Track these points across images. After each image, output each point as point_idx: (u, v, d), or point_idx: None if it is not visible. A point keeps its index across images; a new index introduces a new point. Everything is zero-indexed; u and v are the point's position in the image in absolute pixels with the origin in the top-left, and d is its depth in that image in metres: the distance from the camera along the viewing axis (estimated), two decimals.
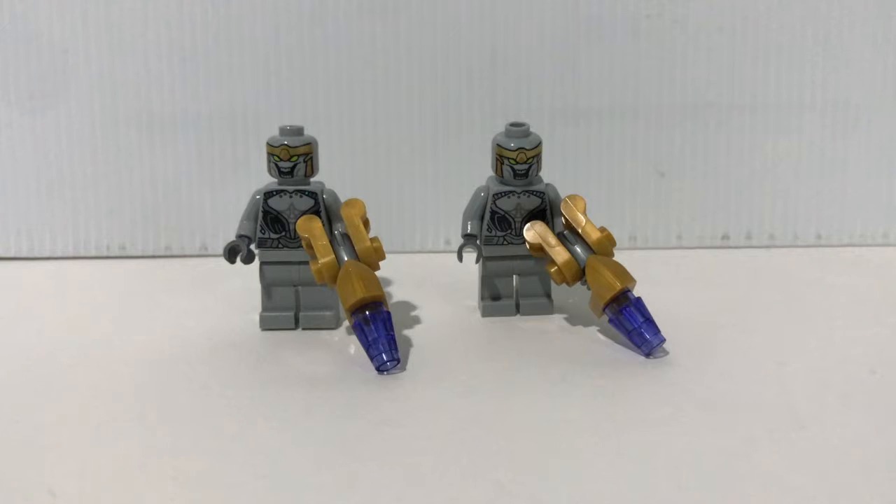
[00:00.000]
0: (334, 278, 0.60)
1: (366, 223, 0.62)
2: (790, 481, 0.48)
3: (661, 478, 0.49)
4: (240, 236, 0.63)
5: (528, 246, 0.64)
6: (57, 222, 0.75)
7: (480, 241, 0.65)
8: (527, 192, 0.64)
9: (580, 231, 0.63)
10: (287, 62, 0.74)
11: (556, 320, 0.65)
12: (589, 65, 0.74)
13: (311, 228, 0.61)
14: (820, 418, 0.53)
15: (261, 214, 0.63)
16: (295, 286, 0.64)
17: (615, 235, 0.64)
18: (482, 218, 0.65)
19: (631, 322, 0.60)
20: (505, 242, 0.65)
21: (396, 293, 0.69)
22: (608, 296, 0.61)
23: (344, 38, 0.73)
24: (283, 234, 0.63)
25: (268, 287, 0.64)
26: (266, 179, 0.64)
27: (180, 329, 0.64)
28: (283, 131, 0.63)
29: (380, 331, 0.58)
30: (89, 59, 0.73)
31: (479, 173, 0.68)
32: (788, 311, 0.66)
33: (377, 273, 0.61)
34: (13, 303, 0.69)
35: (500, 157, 0.64)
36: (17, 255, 0.75)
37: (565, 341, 0.62)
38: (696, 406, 0.55)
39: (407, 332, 0.64)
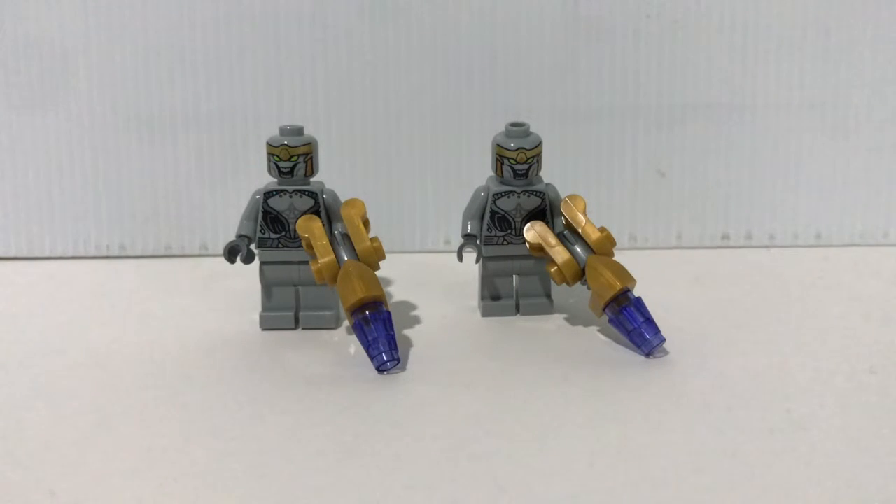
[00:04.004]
0: (334, 278, 0.60)
1: (366, 223, 0.62)
2: (790, 481, 0.48)
3: (661, 477, 0.49)
4: (240, 236, 0.63)
5: (528, 246, 0.64)
6: (57, 222, 0.75)
7: (480, 241, 0.65)
8: (527, 192, 0.64)
9: (580, 231, 0.63)
10: (287, 62, 0.74)
11: (556, 320, 0.65)
12: (589, 65, 0.74)
13: (311, 228, 0.61)
14: (820, 418, 0.53)
15: (261, 214, 0.63)
16: (295, 286, 0.64)
17: (615, 235, 0.64)
18: (482, 218, 0.65)
19: (631, 322, 0.60)
20: (505, 242, 0.65)
21: (396, 293, 0.69)
22: (608, 296, 0.61)
23: (344, 38, 0.73)
24: (283, 233, 0.63)
25: (268, 287, 0.64)
26: (266, 179, 0.64)
27: (180, 329, 0.64)
28: (283, 131, 0.63)
29: (380, 331, 0.58)
30: (89, 59, 0.73)
31: (479, 173, 0.68)
32: (788, 311, 0.66)
33: (377, 273, 0.61)
34: (13, 303, 0.69)
35: (500, 157, 0.64)
36: (17, 255, 0.76)
37: (565, 341, 0.62)
38: (696, 406, 0.55)
39: (407, 332, 0.64)
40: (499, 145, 0.64)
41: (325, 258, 0.60)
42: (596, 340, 0.63)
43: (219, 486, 0.48)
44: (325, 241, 0.61)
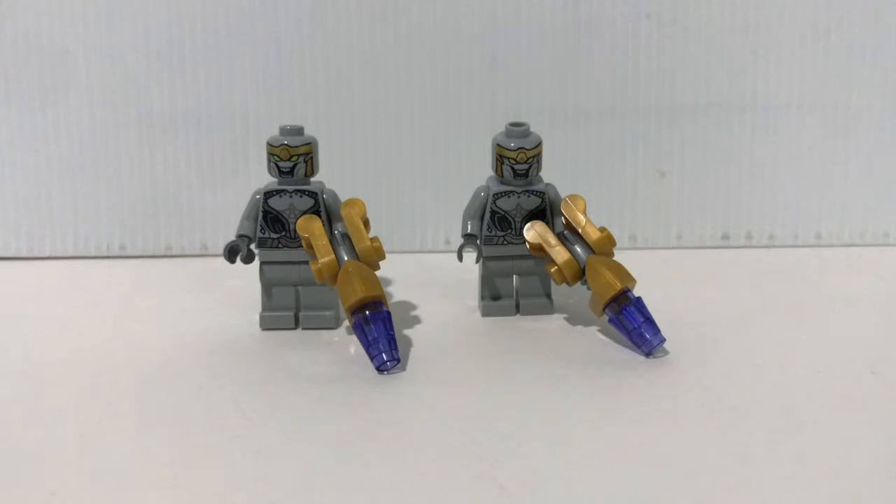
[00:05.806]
0: (334, 278, 0.60)
1: (366, 223, 0.62)
2: (790, 481, 0.48)
3: (661, 478, 0.49)
4: (240, 236, 0.63)
5: (528, 246, 0.64)
6: (57, 222, 0.75)
7: (480, 241, 0.65)
8: (527, 191, 0.64)
9: (580, 231, 0.63)
10: (287, 62, 0.74)
11: (556, 320, 0.65)
12: (589, 65, 0.74)
13: (311, 228, 0.61)
14: (820, 418, 0.53)
15: (261, 214, 0.63)
16: (295, 286, 0.64)
17: (615, 235, 0.64)
18: (482, 218, 0.65)
19: (631, 322, 0.60)
20: (505, 242, 0.65)
21: (396, 293, 0.69)
22: (608, 296, 0.61)
23: (344, 38, 0.73)
24: (284, 233, 0.63)
25: (268, 287, 0.64)
26: (266, 179, 0.64)
27: (180, 329, 0.64)
28: (283, 131, 0.63)
29: (380, 331, 0.58)
30: (89, 59, 0.73)
31: (479, 173, 0.68)
32: (788, 311, 0.66)
33: (377, 273, 0.61)
34: (13, 303, 0.69)
35: (500, 157, 0.64)
36: (17, 255, 0.75)
37: (565, 341, 0.62)
38: (696, 406, 0.55)
39: (407, 332, 0.64)
40: (499, 145, 0.64)
41: (325, 258, 0.60)
42: (596, 340, 0.63)
43: (219, 486, 0.48)
44: (325, 241, 0.61)
